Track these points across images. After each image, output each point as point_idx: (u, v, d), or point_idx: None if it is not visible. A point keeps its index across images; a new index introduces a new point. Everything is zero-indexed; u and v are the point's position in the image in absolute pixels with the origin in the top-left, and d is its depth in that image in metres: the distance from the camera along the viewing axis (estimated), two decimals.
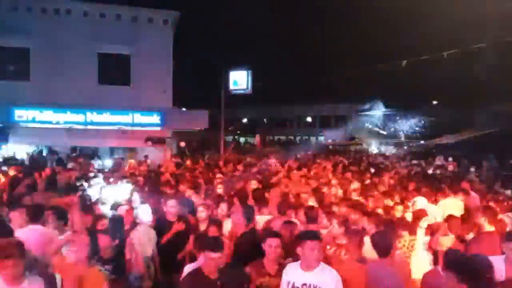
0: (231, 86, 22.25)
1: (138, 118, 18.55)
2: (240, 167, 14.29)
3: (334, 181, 10.19)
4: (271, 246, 3.93)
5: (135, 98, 18.80)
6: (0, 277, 3.35)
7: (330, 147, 40.62)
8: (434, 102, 41.95)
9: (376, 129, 47.23)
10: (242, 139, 45.61)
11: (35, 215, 5.07)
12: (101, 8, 19.23)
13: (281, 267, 3.91)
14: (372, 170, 12.87)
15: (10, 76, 18.10)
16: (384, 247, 3.96)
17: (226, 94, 22.50)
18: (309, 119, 53.60)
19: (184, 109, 22.48)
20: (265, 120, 54.57)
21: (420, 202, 7.05)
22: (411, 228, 5.47)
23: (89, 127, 18.13)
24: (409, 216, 6.25)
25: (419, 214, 5.77)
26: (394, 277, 3.85)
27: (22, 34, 17.81)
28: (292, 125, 56.13)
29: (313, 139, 50.73)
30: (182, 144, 22.71)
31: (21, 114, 17.45)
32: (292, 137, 50.25)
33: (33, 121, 17.58)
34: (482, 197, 8.77)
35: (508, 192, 10.53)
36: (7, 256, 3.30)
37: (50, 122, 17.69)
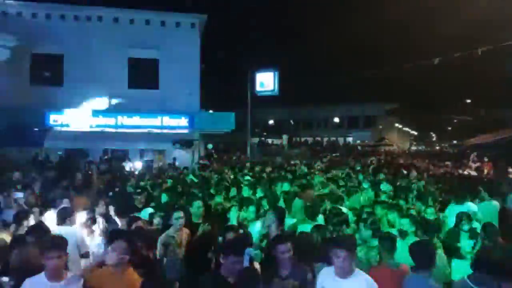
0: (258, 88, 22.26)
1: (167, 120, 18.89)
2: (268, 169, 14.23)
3: (365, 184, 9.98)
4: (282, 253, 3.87)
5: (164, 101, 19.11)
6: (42, 274, 3.47)
7: (359, 148, 39.95)
8: (468, 101, 40.59)
9: (406, 129, 46.09)
10: (268, 141, 45.50)
11: (64, 217, 5.28)
12: (130, 14, 19.70)
13: (293, 269, 3.86)
14: (405, 172, 12.52)
15: (44, 81, 18.80)
16: (424, 258, 3.68)
17: (253, 95, 22.53)
18: (336, 119, 52.78)
19: (211, 111, 22.68)
20: (291, 121, 54.21)
21: (456, 205, 6.79)
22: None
23: (120, 130, 18.58)
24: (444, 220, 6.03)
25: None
26: None
27: (56, 41, 18.49)
28: (319, 126, 55.54)
29: (341, 140, 49.99)
30: (209, 146, 22.89)
31: (56, 119, 18.10)
32: (319, 139, 49.68)
33: (67, 125, 18.20)
34: None
35: None
36: (54, 246, 3.44)
37: (83, 126, 18.27)
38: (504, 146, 22.69)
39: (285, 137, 35.65)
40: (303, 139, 48.66)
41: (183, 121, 19.01)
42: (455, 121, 42.50)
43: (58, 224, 5.31)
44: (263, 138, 44.08)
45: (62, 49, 18.85)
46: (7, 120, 16.21)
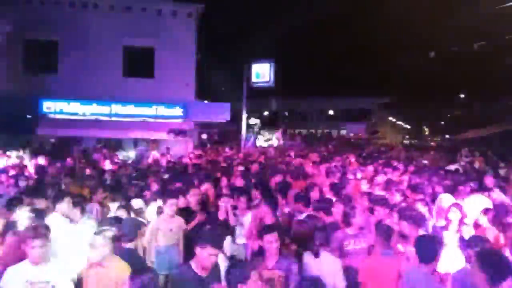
0: (254, 79, 22.21)
1: (161, 110, 18.84)
2: (261, 159, 14.32)
3: (359, 175, 10.10)
4: (270, 242, 3.91)
5: (159, 90, 19.03)
6: (26, 261, 3.52)
7: (352, 140, 40.14)
8: (462, 96, 40.82)
9: (399, 122, 46.29)
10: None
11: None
12: (126, 2, 19.48)
13: (280, 260, 3.92)
14: (395, 164, 12.62)
15: (38, 68, 18.60)
16: (428, 253, 3.65)
17: (249, 87, 22.50)
18: (331, 112, 52.92)
19: (206, 101, 22.63)
20: (286, 113, 54.21)
21: (447, 198, 6.89)
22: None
23: (114, 119, 18.51)
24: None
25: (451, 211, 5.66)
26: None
27: (50, 27, 18.28)
28: (313, 118, 55.60)
29: (335, 132, 50.14)
30: (204, 136, 22.87)
31: (49, 106, 18.00)
32: (313, 131, 49.76)
33: (61, 112, 18.12)
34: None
35: None
36: (37, 236, 3.49)
37: (76, 114, 18.20)
38: (496, 141, 22.93)
39: (279, 129, 35.68)
40: (297, 131, 48.74)
41: (178, 111, 18.96)
42: (449, 115, 42.76)
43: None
44: (257, 130, 44.05)
45: (57, 36, 18.65)
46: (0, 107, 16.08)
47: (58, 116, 18.20)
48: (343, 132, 50.76)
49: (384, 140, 42.84)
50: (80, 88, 18.25)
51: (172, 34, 19.41)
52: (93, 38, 18.51)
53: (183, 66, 19.67)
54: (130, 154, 17.71)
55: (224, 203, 5.96)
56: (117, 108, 18.58)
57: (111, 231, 3.74)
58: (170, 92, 19.02)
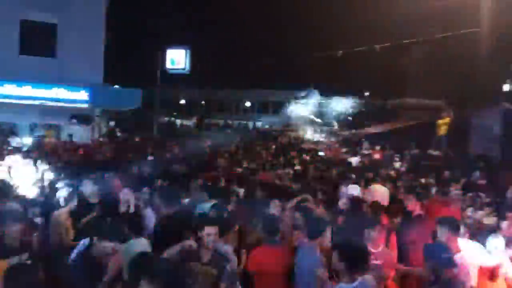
0: (168, 65, 21.51)
1: (63, 93, 17.29)
2: (175, 149, 14.00)
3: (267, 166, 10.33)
4: (209, 235, 3.76)
5: (61, 71, 17.44)
6: None
7: (266, 133, 41.14)
8: (366, 94, 43.94)
9: (311, 116, 48.61)
10: (178, 121, 44.54)
11: None
12: None
13: (215, 254, 3.80)
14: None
15: None
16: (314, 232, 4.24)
17: (165, 73, 21.79)
18: (247, 104, 53.64)
19: (116, 86, 21.32)
20: (203, 102, 53.74)
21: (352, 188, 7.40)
22: None
23: (7, 100, 16.55)
24: None
25: None
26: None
27: None
28: (231, 109, 55.91)
29: (251, 124, 51.00)
30: (112, 123, 21.59)
31: None
32: (230, 122, 50.06)
33: None
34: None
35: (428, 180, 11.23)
36: None
37: None
38: (394, 135, 25.11)
39: (194, 119, 35.28)
40: (214, 121, 48.59)
41: (83, 95, 17.53)
42: (355, 111, 45.89)
43: None
44: (172, 118, 43.02)
45: None
46: None
47: None
48: (259, 124, 51.81)
49: (297, 133, 44.56)
50: None
51: (78, 11, 17.83)
52: None
53: (91, 46, 18.27)
54: (24, 141, 16.02)
55: (123, 195, 5.56)
56: (11, 89, 16.65)
57: None
58: (75, 74, 17.52)
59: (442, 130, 15.50)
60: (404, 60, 23.44)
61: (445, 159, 14.78)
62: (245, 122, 50.91)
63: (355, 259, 3.26)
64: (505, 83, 16.84)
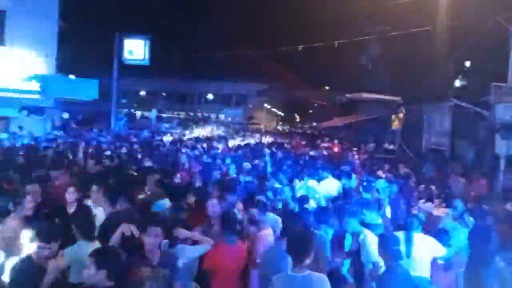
0: (126, 55, 20.87)
1: (13, 83, 16.37)
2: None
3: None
4: (155, 236, 3.64)
5: (11, 60, 16.50)
6: None
7: (230, 125, 41.11)
8: (327, 88, 44.71)
9: (274, 109, 48.88)
10: (138, 113, 43.38)
11: None
12: None
13: (163, 256, 3.70)
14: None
15: None
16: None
17: (123, 63, 21.11)
18: (210, 96, 53.08)
19: (71, 76, 20.42)
20: (164, 93, 52.66)
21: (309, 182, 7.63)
22: None
23: None
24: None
25: None
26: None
27: None
28: (193, 101, 55.16)
29: (213, 116, 50.59)
30: (66, 115, 20.70)
31: None
32: (192, 113, 49.36)
33: None
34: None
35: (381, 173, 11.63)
36: None
37: None
38: (351, 129, 25.77)
39: (154, 111, 34.52)
40: (175, 113, 47.73)
41: (34, 85, 16.71)
42: (316, 105, 46.61)
43: None
44: (132, 110, 41.86)
45: None
46: None
47: None
48: (221, 116, 51.55)
49: (259, 126, 44.78)
50: None
51: None
52: None
53: (43, 34, 17.53)
54: None
55: (69, 195, 5.30)
56: None
57: None
58: (26, 63, 16.79)
59: (395, 125, 16.12)
60: (362, 56, 24.07)
61: (399, 152, 15.40)
62: (207, 114, 50.39)
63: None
64: (456, 79, 17.66)
